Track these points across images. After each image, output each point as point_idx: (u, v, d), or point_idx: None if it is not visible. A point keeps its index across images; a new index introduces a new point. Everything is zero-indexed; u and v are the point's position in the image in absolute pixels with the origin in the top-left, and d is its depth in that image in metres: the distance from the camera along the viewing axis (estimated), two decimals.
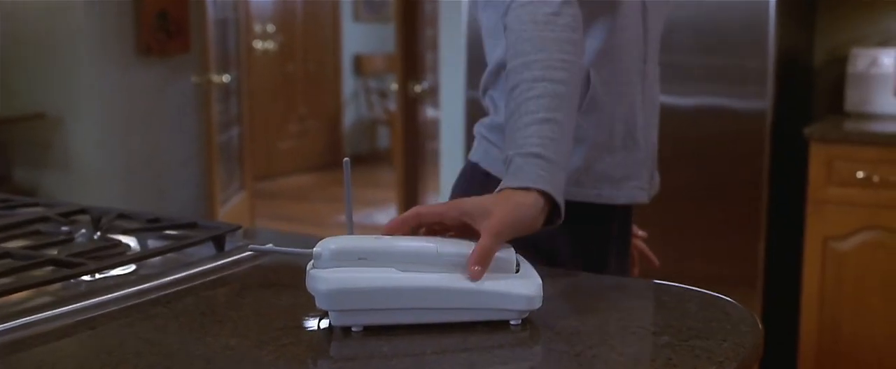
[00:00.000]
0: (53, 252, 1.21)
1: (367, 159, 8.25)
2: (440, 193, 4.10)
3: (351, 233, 1.05)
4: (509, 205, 1.08)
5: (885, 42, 3.27)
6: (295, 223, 6.26)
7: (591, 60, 1.39)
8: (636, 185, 1.48)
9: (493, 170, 1.47)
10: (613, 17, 1.40)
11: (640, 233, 1.71)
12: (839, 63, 3.31)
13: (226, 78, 5.03)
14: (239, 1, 5.48)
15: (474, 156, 1.52)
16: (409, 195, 4.88)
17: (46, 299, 1.07)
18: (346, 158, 1.02)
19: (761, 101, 2.93)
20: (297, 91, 7.88)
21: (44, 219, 1.38)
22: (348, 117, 8.42)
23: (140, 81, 4.97)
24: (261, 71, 7.25)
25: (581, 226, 1.45)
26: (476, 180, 1.50)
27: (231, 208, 5.29)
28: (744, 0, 2.89)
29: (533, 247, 1.29)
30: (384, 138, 8.37)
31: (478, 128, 1.53)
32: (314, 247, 1.00)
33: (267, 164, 7.40)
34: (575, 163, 1.41)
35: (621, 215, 1.53)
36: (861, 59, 3.19)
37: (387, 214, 5.77)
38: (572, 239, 1.45)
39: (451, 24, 3.84)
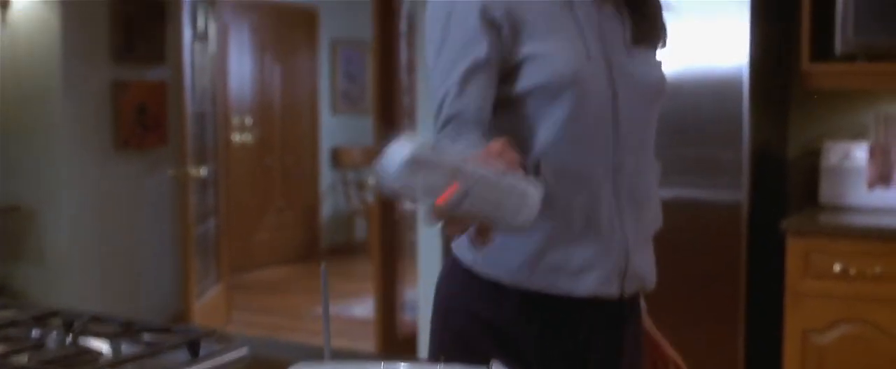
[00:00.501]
0: (24, 358, 1.19)
1: (345, 251, 8.22)
2: (418, 285, 4.08)
3: (328, 351, 1.03)
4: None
5: (857, 135, 3.32)
6: (272, 315, 6.20)
7: (540, 150, 1.42)
8: (599, 277, 1.45)
9: (475, 266, 1.47)
10: (564, 108, 1.41)
11: (663, 341, 1.67)
12: (813, 156, 3.34)
13: (203, 171, 5.03)
14: (217, 95, 5.51)
15: (457, 249, 1.51)
16: (387, 286, 4.85)
17: None
18: (323, 265, 1.01)
19: (737, 193, 2.95)
20: (274, 183, 7.88)
21: (14, 324, 1.36)
22: (326, 209, 8.41)
23: (116, 174, 4.96)
24: (238, 163, 7.25)
25: (546, 316, 1.45)
26: (457, 278, 1.50)
27: (208, 300, 5.24)
28: (718, 93, 2.93)
29: (497, 332, 1.35)
30: (362, 230, 8.35)
31: None
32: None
33: (244, 256, 7.35)
34: (529, 249, 1.42)
35: (605, 310, 1.49)
36: (834, 152, 3.23)
37: (364, 307, 5.72)
38: (538, 328, 1.45)
39: (428, 117, 3.86)
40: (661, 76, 1.54)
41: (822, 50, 3.08)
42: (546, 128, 1.42)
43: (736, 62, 2.91)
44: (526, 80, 1.41)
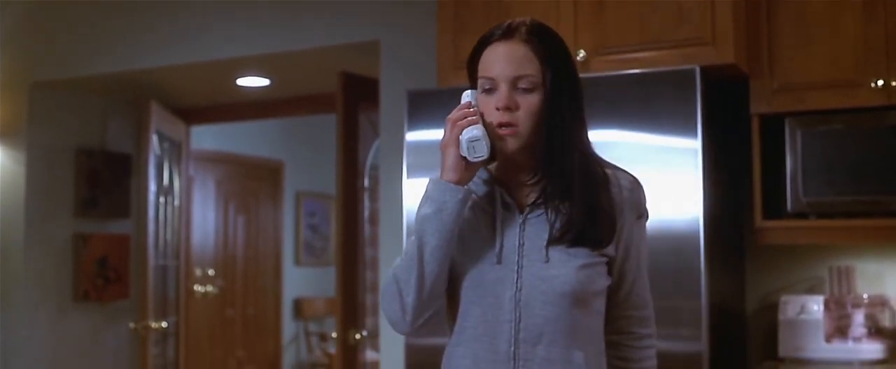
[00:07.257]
0: None
1: None
2: None
3: None
4: None
5: (811, 289, 3.37)
6: None
7: (459, 335, 1.74)
8: None
9: None
10: (474, 305, 1.72)
11: None
12: (771, 309, 3.38)
13: (164, 324, 4.97)
14: (181, 247, 5.50)
15: None
16: None
17: None
18: None
19: (698, 345, 2.97)
20: (236, 334, 7.79)
21: None
22: (288, 360, 8.30)
23: (75, 327, 4.90)
24: (200, 314, 7.19)
25: None
26: None
27: None
28: (675, 245, 2.97)
29: None
30: None
31: None
32: None
33: None
34: None
35: None
36: (790, 305, 3.27)
37: None
38: None
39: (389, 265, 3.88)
40: (572, 279, 1.69)
41: (774, 207, 3.17)
42: (463, 318, 1.74)
43: (691, 215, 2.97)
44: (452, 278, 1.75)
